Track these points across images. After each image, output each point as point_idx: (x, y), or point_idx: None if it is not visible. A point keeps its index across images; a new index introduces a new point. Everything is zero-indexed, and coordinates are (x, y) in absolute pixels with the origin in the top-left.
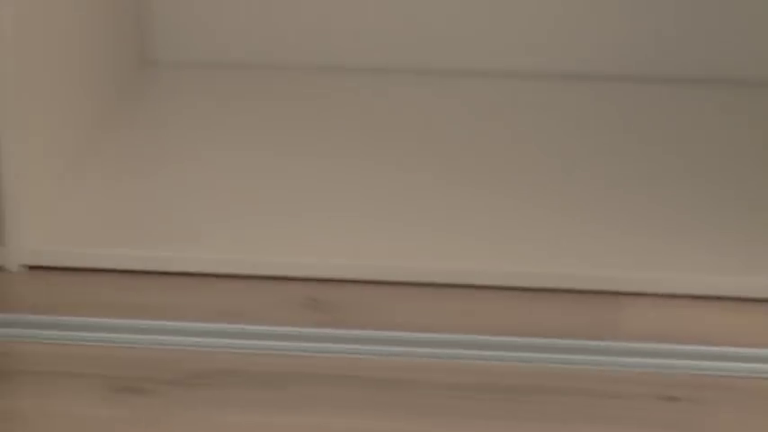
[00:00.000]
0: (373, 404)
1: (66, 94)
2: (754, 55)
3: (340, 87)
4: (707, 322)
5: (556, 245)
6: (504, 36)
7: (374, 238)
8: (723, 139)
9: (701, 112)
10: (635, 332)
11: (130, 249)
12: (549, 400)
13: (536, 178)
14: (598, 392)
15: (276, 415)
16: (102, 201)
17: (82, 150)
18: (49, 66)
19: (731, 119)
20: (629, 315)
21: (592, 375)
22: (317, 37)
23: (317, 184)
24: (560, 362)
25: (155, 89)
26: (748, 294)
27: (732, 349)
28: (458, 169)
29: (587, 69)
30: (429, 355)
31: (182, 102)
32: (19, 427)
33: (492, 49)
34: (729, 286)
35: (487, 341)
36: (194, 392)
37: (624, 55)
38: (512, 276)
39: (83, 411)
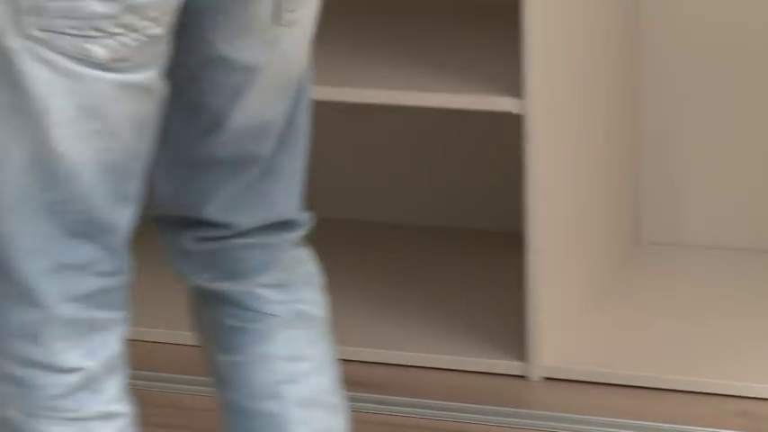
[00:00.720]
0: None
1: (576, 253)
2: None
3: None
4: None
5: None
6: None
7: None
8: None
9: None
10: None
11: (620, 369)
12: None
13: None
14: None
15: None
16: (604, 332)
17: (585, 298)
18: (565, 234)
19: None
20: None
21: None
22: None
23: (742, 337)
24: None
25: (644, 263)
26: None
27: None
28: None
29: None
30: None
31: (667, 274)
32: None
33: None
34: None
35: None
36: None
37: None
38: None
39: None
